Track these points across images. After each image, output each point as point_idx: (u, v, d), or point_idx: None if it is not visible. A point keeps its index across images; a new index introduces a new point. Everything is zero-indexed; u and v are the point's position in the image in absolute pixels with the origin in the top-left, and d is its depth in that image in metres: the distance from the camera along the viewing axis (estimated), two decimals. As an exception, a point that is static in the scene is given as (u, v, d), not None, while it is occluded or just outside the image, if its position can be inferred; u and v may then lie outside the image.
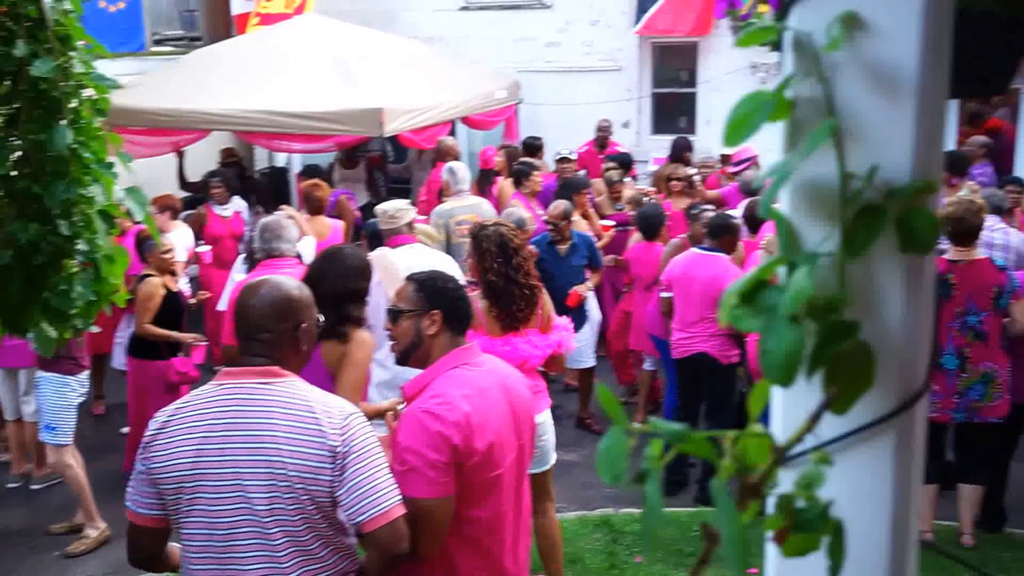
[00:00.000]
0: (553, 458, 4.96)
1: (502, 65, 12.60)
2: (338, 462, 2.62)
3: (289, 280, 2.95)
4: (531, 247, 6.34)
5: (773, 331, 1.17)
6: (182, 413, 2.72)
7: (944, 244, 5.73)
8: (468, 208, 7.64)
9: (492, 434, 2.95)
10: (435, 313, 3.08)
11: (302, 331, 2.84)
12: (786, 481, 1.16)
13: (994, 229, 6.47)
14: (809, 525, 1.12)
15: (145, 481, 2.73)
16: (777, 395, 1.28)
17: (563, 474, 6.27)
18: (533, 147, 10.58)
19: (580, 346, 6.80)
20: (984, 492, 5.89)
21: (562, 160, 9.62)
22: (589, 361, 7.58)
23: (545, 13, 13.38)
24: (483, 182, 9.80)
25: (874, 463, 1.24)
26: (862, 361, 1.18)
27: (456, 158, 9.61)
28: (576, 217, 7.69)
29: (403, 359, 3.18)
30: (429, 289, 3.11)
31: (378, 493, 2.64)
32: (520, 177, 8.78)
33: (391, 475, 2.72)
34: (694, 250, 6.52)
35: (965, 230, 5.59)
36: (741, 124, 1.22)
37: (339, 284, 4.10)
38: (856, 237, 1.17)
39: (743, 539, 1.04)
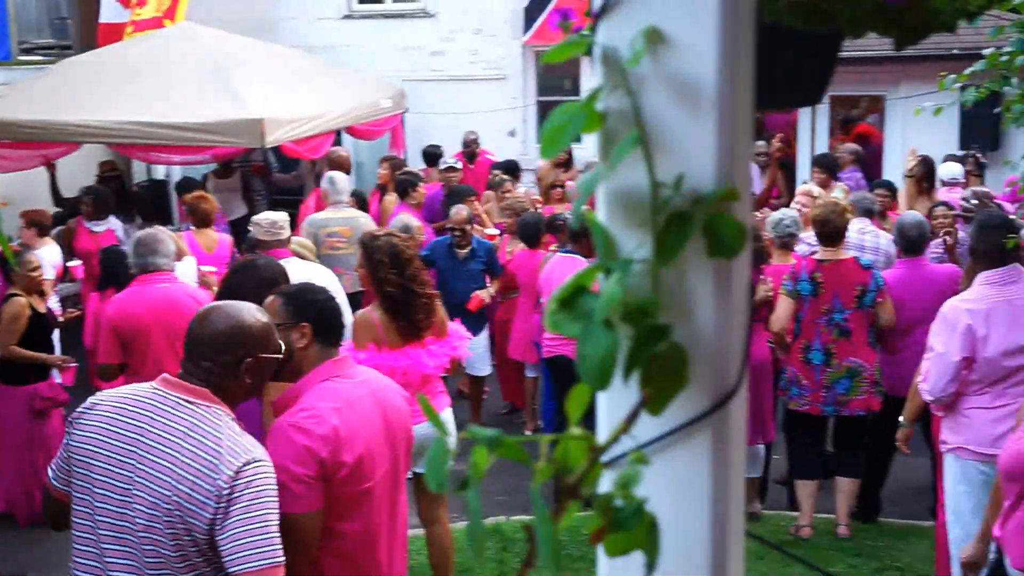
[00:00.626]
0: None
1: (387, 74, 12.56)
2: (222, 505, 2.55)
3: (248, 311, 2.82)
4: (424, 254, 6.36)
5: (589, 336, 1.21)
6: (111, 402, 2.69)
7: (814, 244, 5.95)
8: (343, 220, 7.60)
9: (362, 447, 2.94)
10: (304, 326, 3.06)
11: (247, 365, 2.72)
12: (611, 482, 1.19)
13: (865, 232, 6.74)
14: (625, 523, 1.16)
15: (62, 456, 2.73)
16: (601, 398, 1.31)
17: (452, 483, 6.27)
18: (433, 155, 10.58)
19: (477, 353, 6.84)
20: (863, 484, 6.11)
21: (448, 169, 9.64)
22: (485, 369, 7.61)
23: (429, 22, 13.40)
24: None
25: (693, 460, 1.28)
26: (676, 362, 1.23)
27: (347, 169, 9.55)
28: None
29: (273, 373, 3.14)
30: (297, 302, 3.09)
31: (258, 549, 2.56)
32: (405, 188, 8.78)
33: (276, 535, 2.62)
34: (558, 254, 6.68)
35: (831, 231, 5.81)
36: (555, 135, 1.26)
37: (256, 297, 4.02)
38: (667, 243, 1.22)
39: (556, 541, 1.07)
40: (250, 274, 4.06)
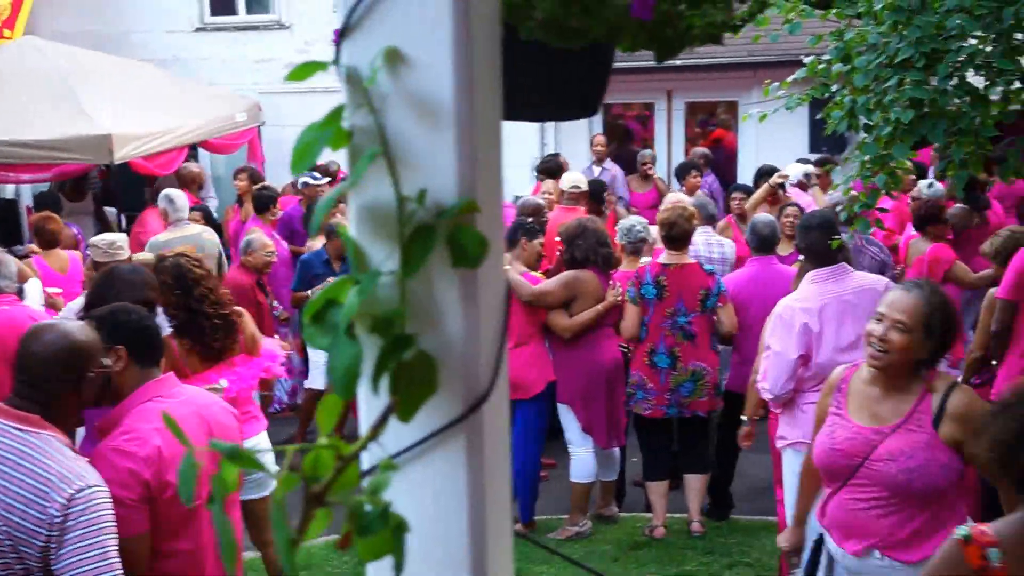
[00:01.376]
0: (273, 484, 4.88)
1: (242, 87, 12.36)
2: (55, 533, 2.52)
3: (76, 327, 2.84)
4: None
5: (336, 348, 1.24)
6: None
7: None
8: (185, 239, 7.45)
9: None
10: (119, 348, 3.00)
11: (88, 381, 2.76)
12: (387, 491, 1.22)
13: (711, 243, 6.95)
14: (371, 527, 1.19)
15: None
16: (362, 407, 1.35)
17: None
18: (328, 172, 10.49)
19: (322, 366, 6.77)
20: (712, 481, 6.28)
21: (307, 185, 9.57)
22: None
23: (284, 34, 13.23)
24: None
25: (449, 466, 1.33)
26: (424, 370, 1.27)
27: (200, 184, 9.36)
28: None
29: (95, 400, 3.08)
30: (109, 325, 3.03)
31: (98, 575, 2.54)
32: (264, 204, 8.67)
33: (115, 560, 2.61)
34: None
35: (677, 235, 5.95)
36: (304, 152, 1.29)
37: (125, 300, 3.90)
38: (412, 255, 1.26)
39: (291, 549, 1.10)
40: (114, 282, 3.97)
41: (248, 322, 4.81)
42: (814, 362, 4.81)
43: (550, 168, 9.54)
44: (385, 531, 1.19)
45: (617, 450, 6.32)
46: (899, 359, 3.20)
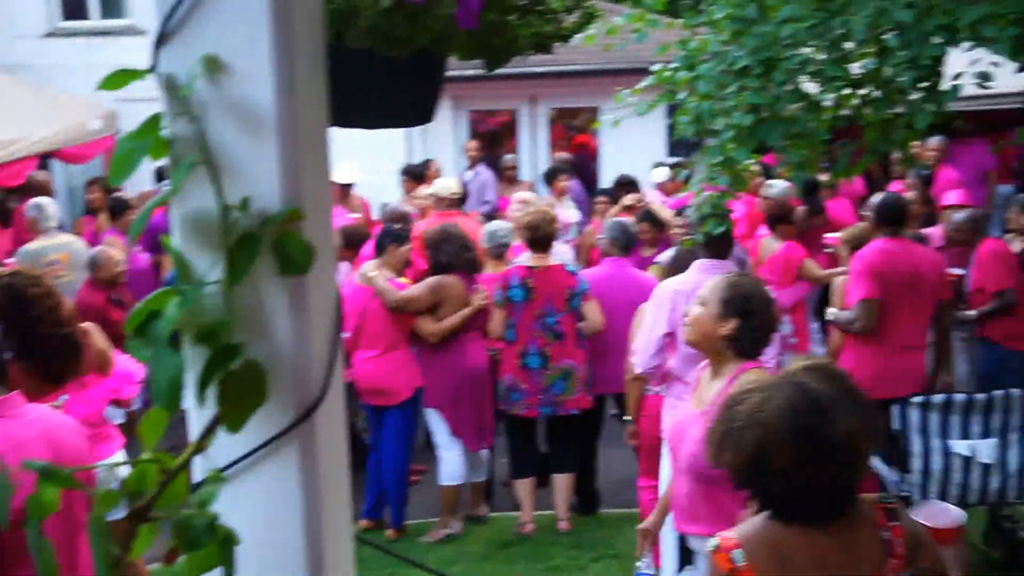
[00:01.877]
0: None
1: (99, 95, 11.93)
2: None
3: None
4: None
5: (157, 360, 1.23)
6: None
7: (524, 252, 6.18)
8: (58, 247, 7.19)
9: (30, 490, 2.79)
10: (-46, 369, 2.87)
11: None
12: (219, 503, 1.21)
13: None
14: (199, 541, 1.18)
15: None
16: (193, 422, 1.33)
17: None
18: (415, 174, 10.18)
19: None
20: (579, 478, 6.39)
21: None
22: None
23: (140, 40, 12.82)
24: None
25: (282, 473, 1.32)
26: (253, 380, 1.27)
27: (49, 194, 8.99)
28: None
29: None
30: None
31: None
32: (119, 210, 8.42)
33: None
34: None
35: (540, 237, 6.04)
36: (123, 162, 1.27)
37: None
38: (237, 264, 1.26)
39: (107, 564, 1.09)
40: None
41: (97, 338, 4.64)
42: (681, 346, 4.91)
43: (416, 174, 9.54)
44: (212, 545, 1.18)
45: (486, 451, 6.37)
46: (699, 332, 3.34)
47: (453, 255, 6.04)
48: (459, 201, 8.15)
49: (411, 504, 6.30)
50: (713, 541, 2.11)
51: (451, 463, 6.14)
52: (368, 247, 6.72)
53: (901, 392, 5.08)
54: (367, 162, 9.16)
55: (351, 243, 7.20)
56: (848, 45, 3.84)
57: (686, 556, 3.58)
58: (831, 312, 5.67)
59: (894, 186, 8.21)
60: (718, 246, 4.86)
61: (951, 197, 7.58)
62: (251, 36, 1.25)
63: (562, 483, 6.24)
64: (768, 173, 7.71)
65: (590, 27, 1.92)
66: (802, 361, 2.15)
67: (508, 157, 11.21)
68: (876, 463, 4.94)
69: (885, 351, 5.41)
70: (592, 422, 6.36)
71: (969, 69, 3.76)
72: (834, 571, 2.06)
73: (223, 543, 1.19)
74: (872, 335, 5.43)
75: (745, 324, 3.30)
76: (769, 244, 7.16)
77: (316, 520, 1.35)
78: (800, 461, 1.96)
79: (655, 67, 4.76)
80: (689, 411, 3.46)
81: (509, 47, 1.62)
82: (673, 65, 4.64)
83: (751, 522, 2.10)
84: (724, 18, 4.08)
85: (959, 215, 6.63)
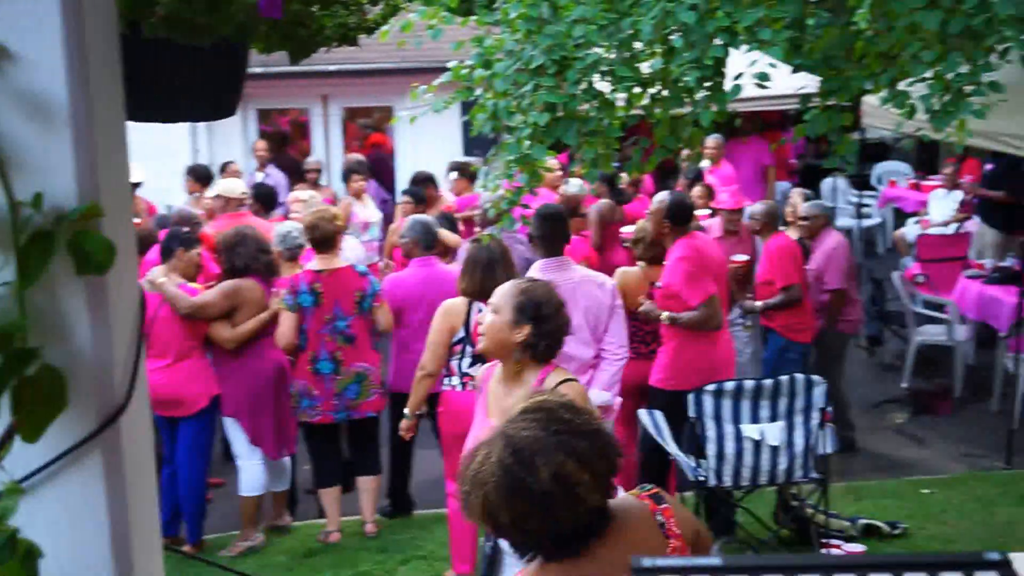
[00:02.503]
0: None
1: None
2: None
3: None
4: None
5: (-57, 368, 1.14)
6: None
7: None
8: None
9: None
10: None
11: None
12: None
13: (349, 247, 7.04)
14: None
15: None
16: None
17: None
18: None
19: None
20: (391, 481, 6.33)
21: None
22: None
23: None
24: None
25: (87, 482, 1.26)
26: (52, 385, 1.19)
27: None
28: None
29: None
30: None
31: None
32: None
33: None
34: None
35: (320, 237, 5.91)
36: None
37: None
38: (30, 264, 1.18)
39: None
40: None
41: None
42: None
43: (201, 175, 9.23)
44: (13, 561, 1.11)
45: (288, 459, 6.22)
46: (493, 341, 3.32)
47: (249, 258, 5.87)
48: (270, 200, 7.92)
49: (209, 517, 6.09)
50: None
51: (251, 473, 5.97)
52: (153, 252, 6.43)
53: (722, 376, 5.29)
54: (149, 163, 8.79)
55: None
56: (637, 45, 3.99)
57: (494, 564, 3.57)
58: (667, 316, 5.55)
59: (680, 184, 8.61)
60: (552, 243, 4.94)
61: (724, 200, 7.98)
62: (39, 23, 1.18)
63: (366, 486, 6.17)
64: (565, 169, 7.90)
65: (393, 19, 1.92)
66: (525, 402, 2.07)
67: (310, 160, 10.96)
68: (673, 450, 5.15)
69: (711, 340, 5.57)
70: (398, 423, 6.31)
71: (749, 70, 3.99)
72: None
73: (25, 558, 1.12)
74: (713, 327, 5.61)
75: (538, 329, 3.29)
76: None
77: (123, 531, 1.29)
78: (521, 513, 1.91)
79: (451, 64, 4.79)
80: (484, 421, 3.39)
81: (314, 38, 1.59)
82: (469, 63, 4.69)
83: (525, 572, 2.04)
84: (518, 17, 4.16)
85: (757, 206, 7.03)
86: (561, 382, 3.24)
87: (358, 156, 10.61)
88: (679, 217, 5.59)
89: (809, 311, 6.69)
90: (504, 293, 3.34)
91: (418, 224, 6.38)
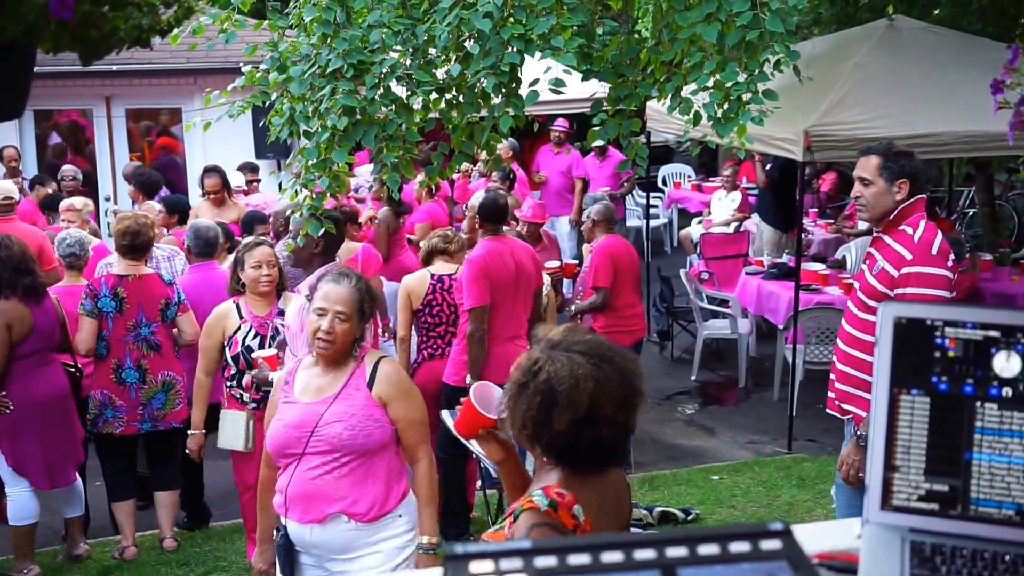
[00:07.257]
0: None
1: None
2: None
3: None
4: None
5: None
6: None
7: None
8: None
9: None
10: None
11: None
12: None
13: (173, 257, 6.76)
14: None
15: None
16: None
17: None
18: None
19: None
20: (187, 493, 6.13)
21: None
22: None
23: None
24: None
25: None
26: None
27: None
28: None
29: None
30: None
31: None
32: None
33: None
34: None
35: (138, 244, 5.72)
36: None
37: None
38: None
39: None
40: None
41: None
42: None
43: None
44: None
45: (79, 483, 5.85)
46: (343, 345, 3.54)
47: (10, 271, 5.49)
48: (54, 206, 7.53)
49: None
50: (543, 499, 2.11)
51: (18, 502, 5.55)
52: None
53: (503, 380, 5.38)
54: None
55: None
56: (433, 51, 4.04)
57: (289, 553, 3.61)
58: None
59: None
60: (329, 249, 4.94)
61: (526, 211, 8.13)
62: None
63: (165, 500, 5.95)
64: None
65: (188, 21, 1.88)
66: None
67: (67, 168, 10.18)
68: (476, 449, 5.21)
69: (495, 343, 5.64)
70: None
71: (545, 76, 4.11)
72: (612, 514, 2.29)
73: None
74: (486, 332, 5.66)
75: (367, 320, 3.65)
76: (350, 246, 7.32)
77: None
78: (578, 419, 2.11)
79: (245, 68, 4.71)
80: (304, 404, 3.54)
81: (106, 40, 1.54)
82: (264, 67, 4.62)
83: (558, 479, 2.19)
84: (312, 21, 4.13)
85: (596, 205, 7.19)
86: (380, 359, 3.62)
87: (136, 164, 10.24)
88: (489, 216, 5.69)
89: (630, 313, 6.91)
90: (347, 299, 3.53)
91: (190, 231, 6.33)
